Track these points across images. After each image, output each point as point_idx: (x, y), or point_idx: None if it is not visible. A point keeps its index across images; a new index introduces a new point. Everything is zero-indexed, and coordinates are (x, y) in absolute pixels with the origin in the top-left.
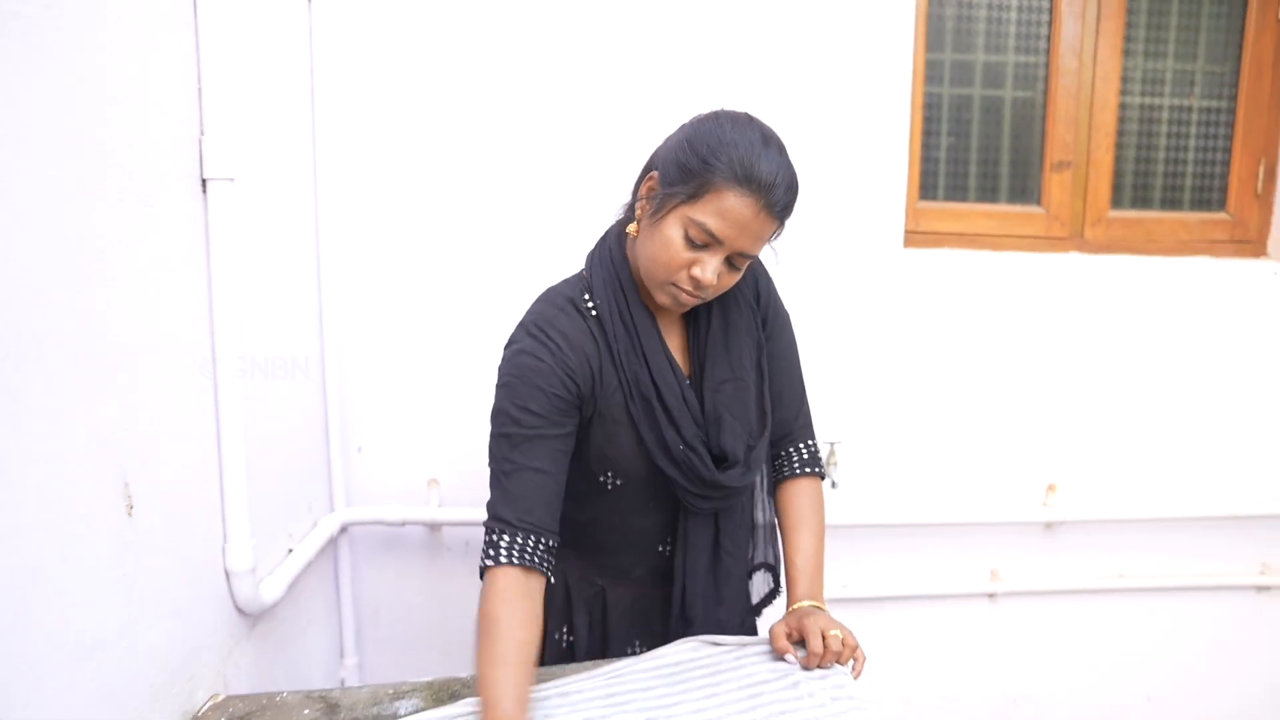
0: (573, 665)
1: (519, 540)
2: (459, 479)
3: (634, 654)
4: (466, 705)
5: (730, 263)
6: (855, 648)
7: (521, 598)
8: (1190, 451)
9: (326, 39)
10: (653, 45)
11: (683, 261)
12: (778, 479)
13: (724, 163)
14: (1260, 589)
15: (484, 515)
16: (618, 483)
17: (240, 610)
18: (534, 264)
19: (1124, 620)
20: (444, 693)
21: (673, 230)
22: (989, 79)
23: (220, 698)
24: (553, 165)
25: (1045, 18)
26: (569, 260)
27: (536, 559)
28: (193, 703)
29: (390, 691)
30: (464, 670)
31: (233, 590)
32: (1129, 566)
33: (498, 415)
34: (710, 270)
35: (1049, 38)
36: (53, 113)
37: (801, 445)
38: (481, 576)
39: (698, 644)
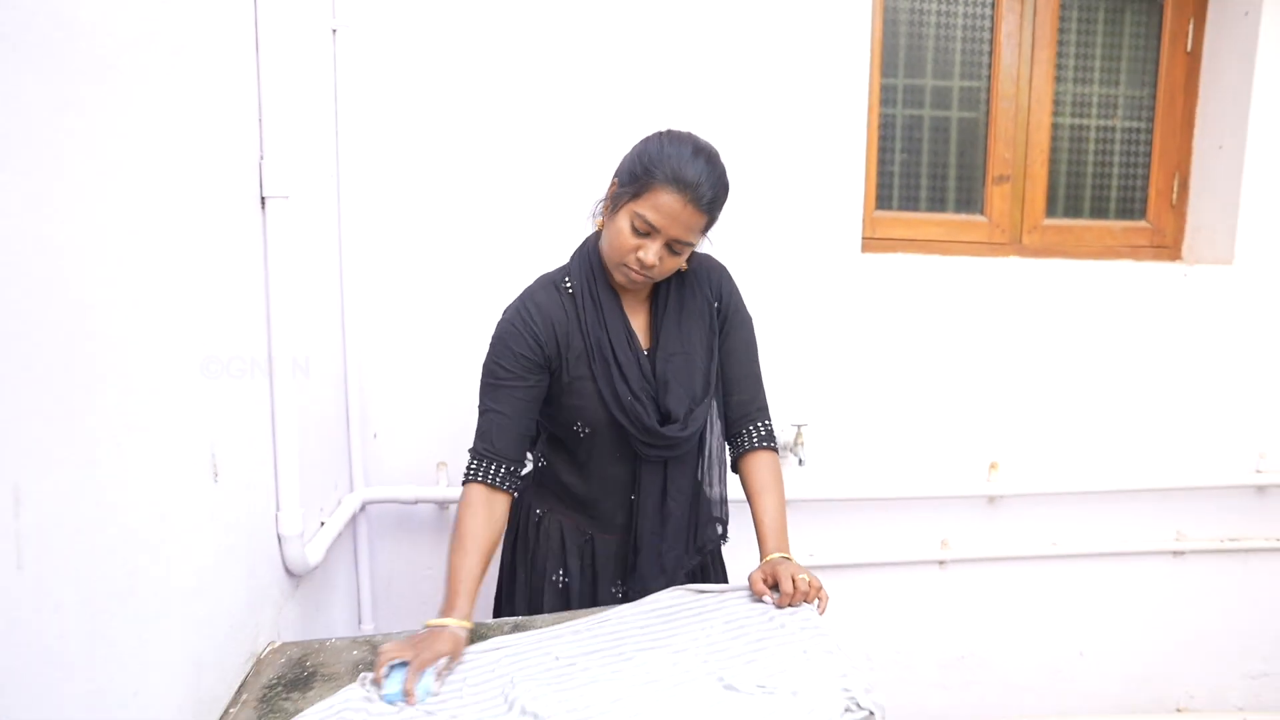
0: (578, 611)
1: (484, 465)
2: (465, 461)
3: (617, 593)
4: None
5: (671, 248)
6: (819, 589)
7: (482, 506)
8: (1114, 432)
9: (348, 67)
10: (639, 77)
11: (631, 246)
12: (739, 453)
13: (660, 169)
14: (1176, 554)
15: None
16: (587, 430)
17: (289, 571)
18: (524, 268)
19: (1058, 583)
20: (478, 633)
21: (623, 222)
22: (937, 101)
23: (277, 644)
24: (541, 178)
25: (987, 47)
26: (554, 263)
27: (498, 479)
28: (256, 646)
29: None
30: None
31: (284, 552)
32: (1062, 535)
33: (484, 369)
34: (652, 253)
35: (990, 65)
36: (161, 152)
37: (759, 424)
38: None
39: (684, 591)
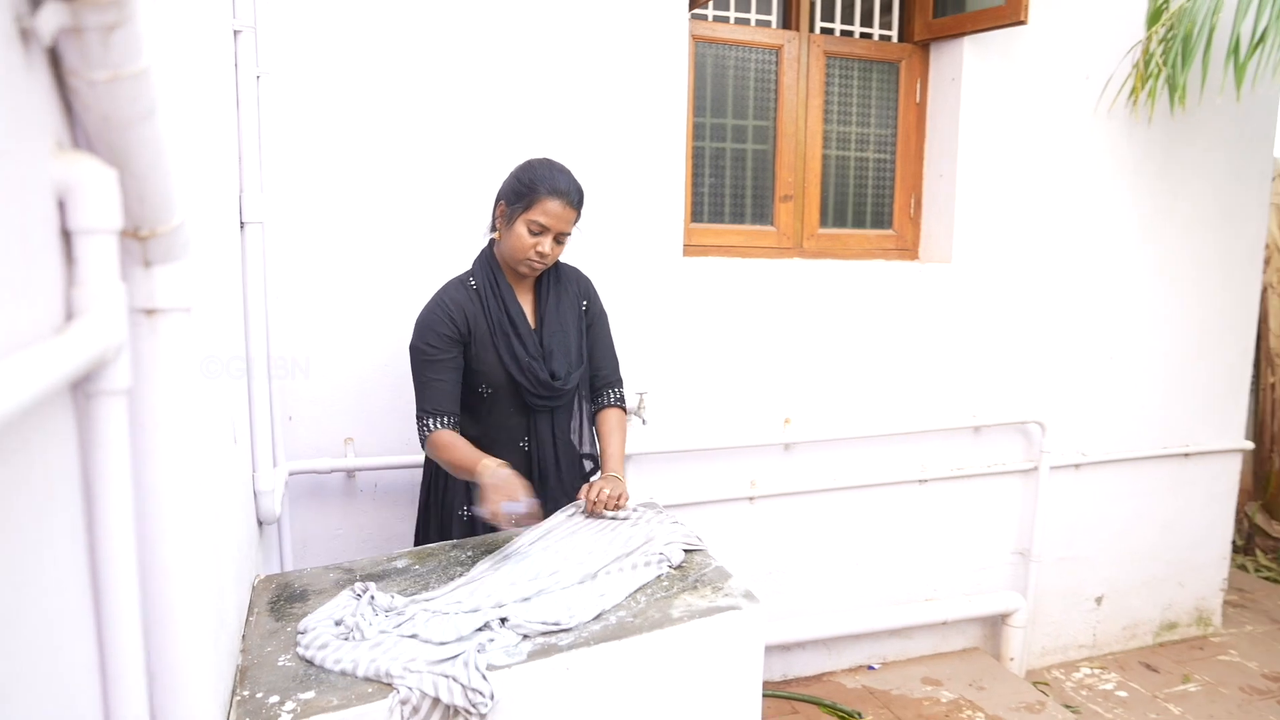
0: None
1: (438, 418)
2: (367, 436)
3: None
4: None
5: (557, 240)
6: (619, 497)
7: (455, 435)
8: (875, 391)
9: (270, 107)
10: (513, 123)
11: (530, 244)
12: (597, 409)
13: (541, 184)
14: (921, 481)
15: (387, 462)
16: (490, 391)
17: (260, 520)
18: (413, 283)
19: (839, 510)
20: (425, 554)
21: (520, 228)
22: (736, 136)
23: (261, 576)
24: (424, 210)
25: (773, 94)
26: (432, 278)
27: (448, 425)
28: (252, 576)
29: (385, 557)
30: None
31: (258, 504)
32: (839, 472)
33: (414, 350)
34: (546, 246)
35: (776, 108)
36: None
37: (614, 390)
38: (423, 444)
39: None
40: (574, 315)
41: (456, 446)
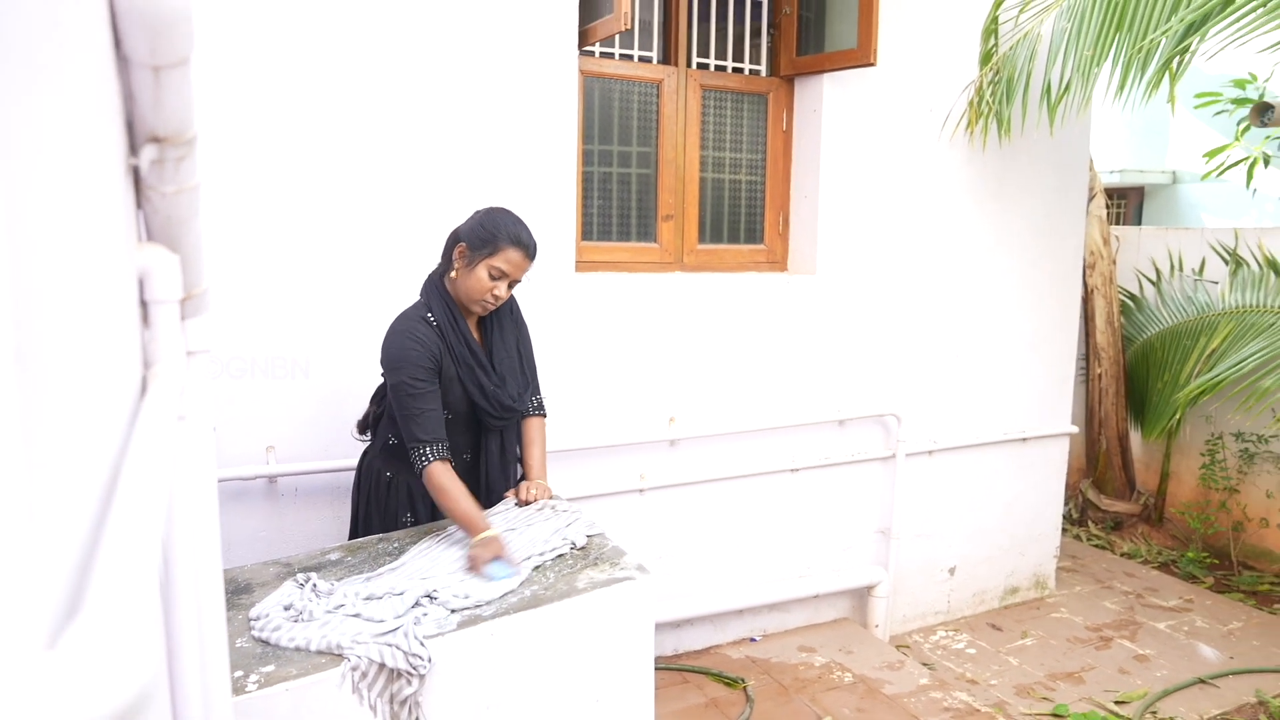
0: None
1: (436, 446)
2: (287, 444)
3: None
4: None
5: (510, 286)
6: (542, 493)
7: (452, 471)
8: (750, 391)
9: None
10: (432, 163)
11: (488, 287)
12: (521, 417)
13: (503, 235)
14: (793, 470)
15: (308, 467)
16: (450, 416)
17: None
18: (332, 302)
19: (720, 498)
20: (356, 547)
21: (482, 272)
22: (622, 161)
23: None
24: (342, 225)
25: (654, 123)
26: (359, 298)
27: (445, 454)
28: None
29: (320, 551)
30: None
31: None
32: (720, 464)
33: (400, 386)
34: (503, 290)
35: (657, 136)
36: None
37: (536, 398)
38: (419, 473)
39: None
40: (513, 338)
41: (455, 495)
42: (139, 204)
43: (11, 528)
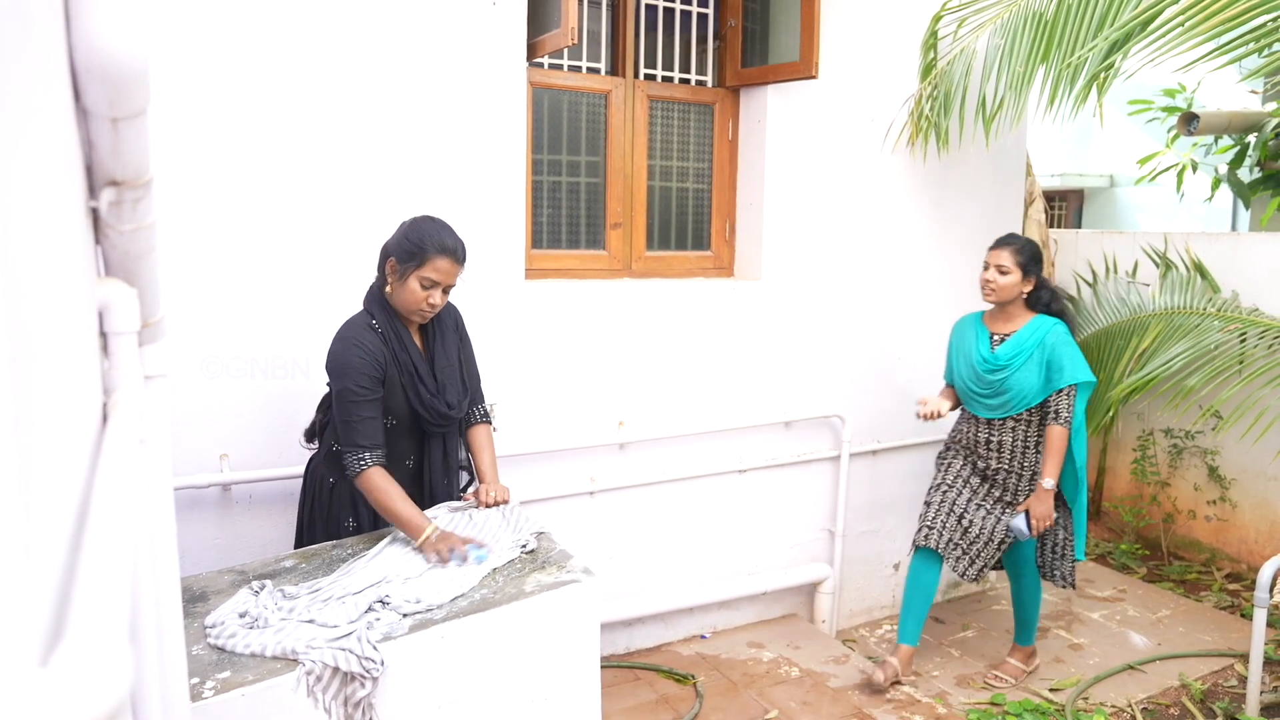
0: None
1: (372, 454)
2: (240, 452)
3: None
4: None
5: (445, 291)
6: (502, 494)
7: (386, 475)
8: (699, 394)
9: None
10: (381, 175)
11: (422, 297)
12: (468, 425)
13: (429, 244)
14: (741, 471)
15: (261, 475)
16: (393, 422)
17: None
18: (283, 312)
19: (670, 500)
20: (310, 554)
21: (413, 284)
22: (571, 171)
23: None
24: (290, 233)
25: (603, 133)
26: (307, 306)
27: (381, 461)
28: None
29: (274, 559)
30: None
31: None
32: (669, 466)
33: (344, 393)
34: (437, 298)
35: (605, 146)
36: None
37: (480, 407)
38: (354, 477)
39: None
40: (455, 347)
41: (393, 496)
42: (98, 240)
43: (8, 554)
